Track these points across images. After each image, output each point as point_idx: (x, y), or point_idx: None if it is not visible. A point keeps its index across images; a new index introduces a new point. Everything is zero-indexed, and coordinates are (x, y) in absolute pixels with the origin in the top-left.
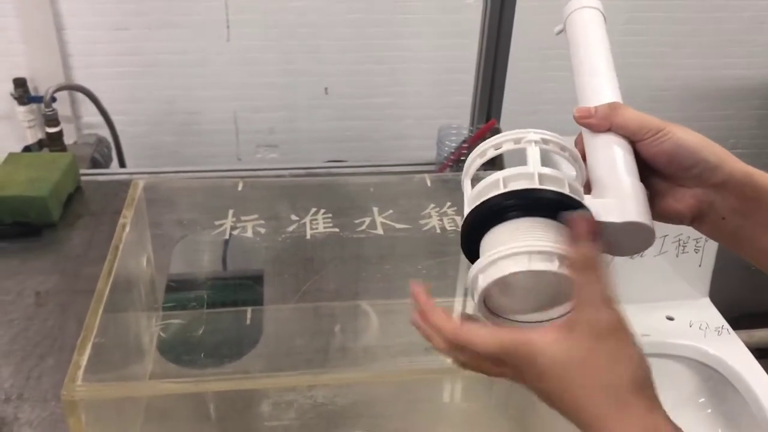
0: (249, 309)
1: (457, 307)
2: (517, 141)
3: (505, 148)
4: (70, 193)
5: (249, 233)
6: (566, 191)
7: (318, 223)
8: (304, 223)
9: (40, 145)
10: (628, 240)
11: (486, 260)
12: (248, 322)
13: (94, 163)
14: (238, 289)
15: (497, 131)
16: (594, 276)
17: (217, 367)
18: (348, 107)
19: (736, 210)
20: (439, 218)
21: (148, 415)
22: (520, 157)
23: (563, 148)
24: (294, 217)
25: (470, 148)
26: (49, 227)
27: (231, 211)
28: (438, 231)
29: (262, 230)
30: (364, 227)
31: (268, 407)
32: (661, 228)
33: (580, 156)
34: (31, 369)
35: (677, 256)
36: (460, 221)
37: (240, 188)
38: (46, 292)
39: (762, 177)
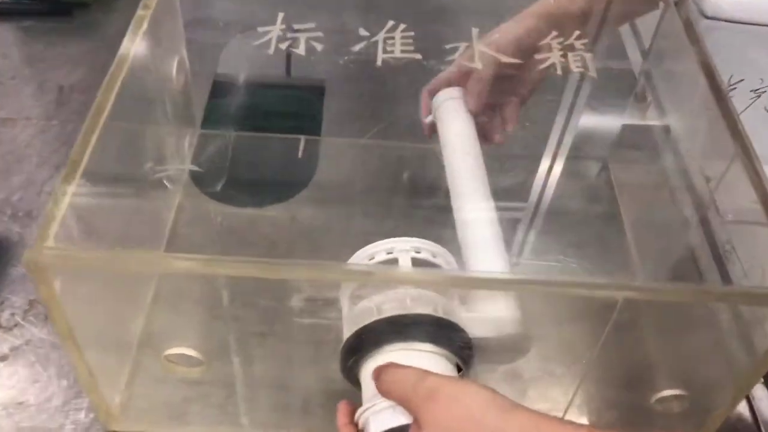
0: (302, 138)
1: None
2: (390, 251)
3: (377, 258)
4: None
5: (300, 49)
6: (439, 313)
7: (394, 45)
8: (376, 42)
9: None
10: (505, 347)
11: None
12: (300, 154)
13: None
14: (294, 106)
15: None
16: None
17: (258, 207)
18: None
19: None
20: (561, 53)
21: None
22: None
23: (435, 255)
24: (363, 33)
25: None
26: (81, 7)
27: (281, 16)
28: (558, 72)
29: (318, 46)
30: (455, 56)
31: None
32: None
33: (452, 258)
34: (44, 182)
35: None
36: (590, 60)
37: None
38: (70, 86)
39: None
